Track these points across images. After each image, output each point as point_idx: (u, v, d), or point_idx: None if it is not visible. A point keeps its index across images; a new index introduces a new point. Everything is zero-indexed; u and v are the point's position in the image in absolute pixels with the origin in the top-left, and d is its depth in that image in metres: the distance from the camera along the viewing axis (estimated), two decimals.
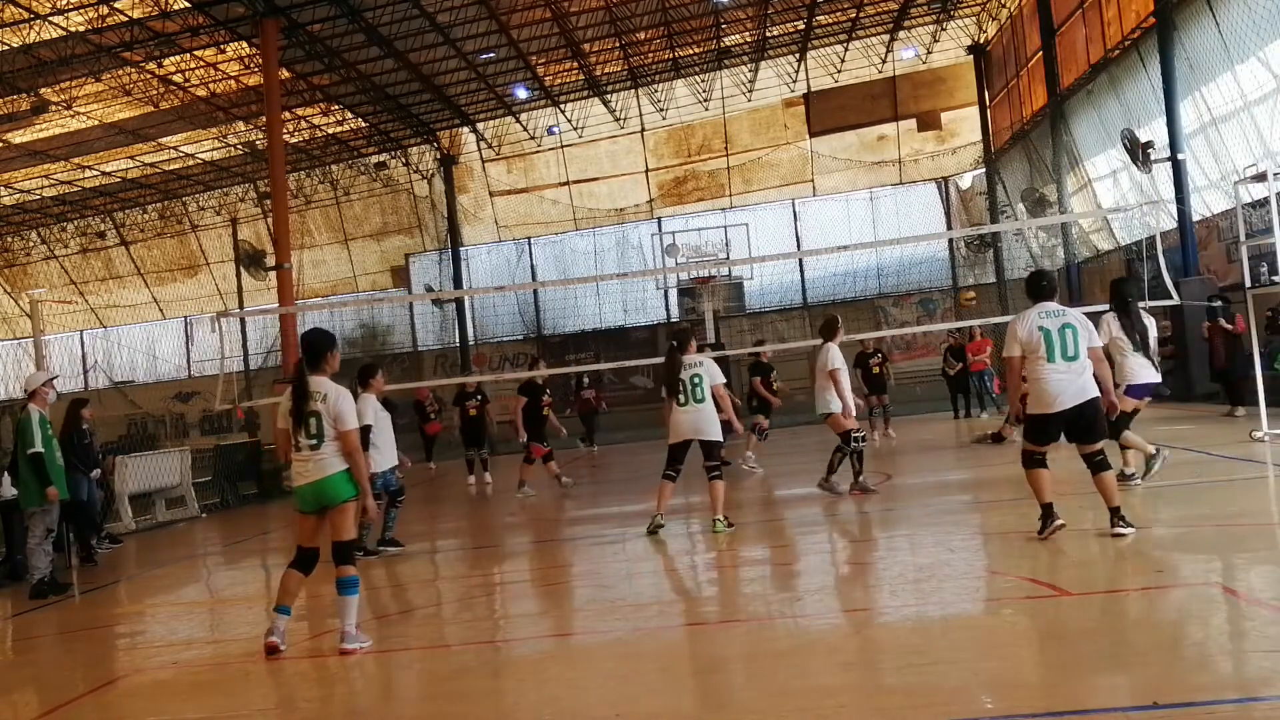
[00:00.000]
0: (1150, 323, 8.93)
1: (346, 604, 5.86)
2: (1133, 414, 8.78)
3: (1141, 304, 13.74)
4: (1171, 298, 12.62)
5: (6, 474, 10.13)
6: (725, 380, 9.33)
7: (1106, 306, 9.08)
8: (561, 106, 30.65)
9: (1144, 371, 8.67)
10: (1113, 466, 6.98)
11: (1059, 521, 6.85)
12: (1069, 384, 6.70)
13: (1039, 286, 7.09)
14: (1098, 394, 6.83)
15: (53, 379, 9.64)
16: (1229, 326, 14.31)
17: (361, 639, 5.87)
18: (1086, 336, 6.82)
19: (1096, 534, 7.29)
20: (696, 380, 8.82)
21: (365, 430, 9.18)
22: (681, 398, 8.84)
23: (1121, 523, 6.75)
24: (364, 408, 9.25)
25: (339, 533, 5.94)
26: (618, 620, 6.27)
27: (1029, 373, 6.85)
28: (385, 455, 9.58)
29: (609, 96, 30.54)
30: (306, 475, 5.95)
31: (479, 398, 16.30)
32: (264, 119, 22.91)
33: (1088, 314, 7.40)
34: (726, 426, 9.12)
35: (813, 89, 30.57)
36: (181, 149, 29.49)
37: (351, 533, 6.03)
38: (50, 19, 20.17)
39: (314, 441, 5.90)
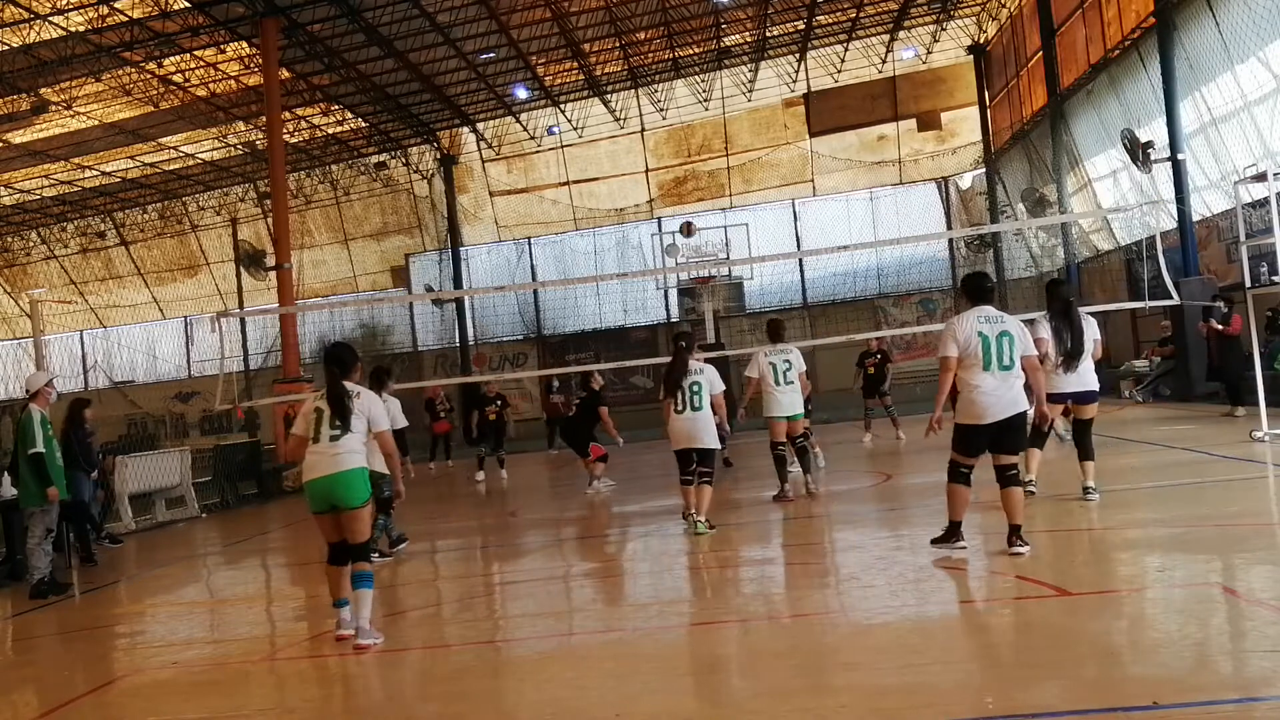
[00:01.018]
0: (1090, 326, 8.47)
1: (362, 597, 5.90)
2: (1051, 423, 8.38)
3: (1154, 305, 13.86)
4: (1171, 298, 12.61)
5: (6, 474, 10.13)
6: (724, 388, 9.35)
7: (1106, 307, 8.96)
8: (561, 106, 30.65)
9: (1062, 381, 8.21)
10: (1023, 483, 6.71)
11: (963, 544, 6.65)
12: (1002, 395, 6.46)
13: (983, 289, 6.73)
14: (1027, 406, 6.64)
15: (52, 379, 9.64)
16: (1220, 327, 14.29)
17: (375, 635, 5.90)
18: (1022, 346, 6.57)
19: (1095, 534, 7.30)
20: (697, 388, 8.74)
21: (401, 434, 9.19)
22: (680, 404, 8.73)
23: (1020, 541, 6.54)
24: (395, 411, 9.25)
25: (355, 535, 6.00)
26: (618, 620, 6.27)
27: (960, 380, 6.56)
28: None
29: (609, 96, 30.54)
30: (321, 469, 5.91)
31: (499, 402, 17.16)
32: (264, 119, 22.91)
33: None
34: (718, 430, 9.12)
35: (813, 89, 30.56)
36: (181, 149, 29.49)
37: (366, 534, 6.10)
38: (50, 19, 20.17)
39: (337, 432, 5.91)
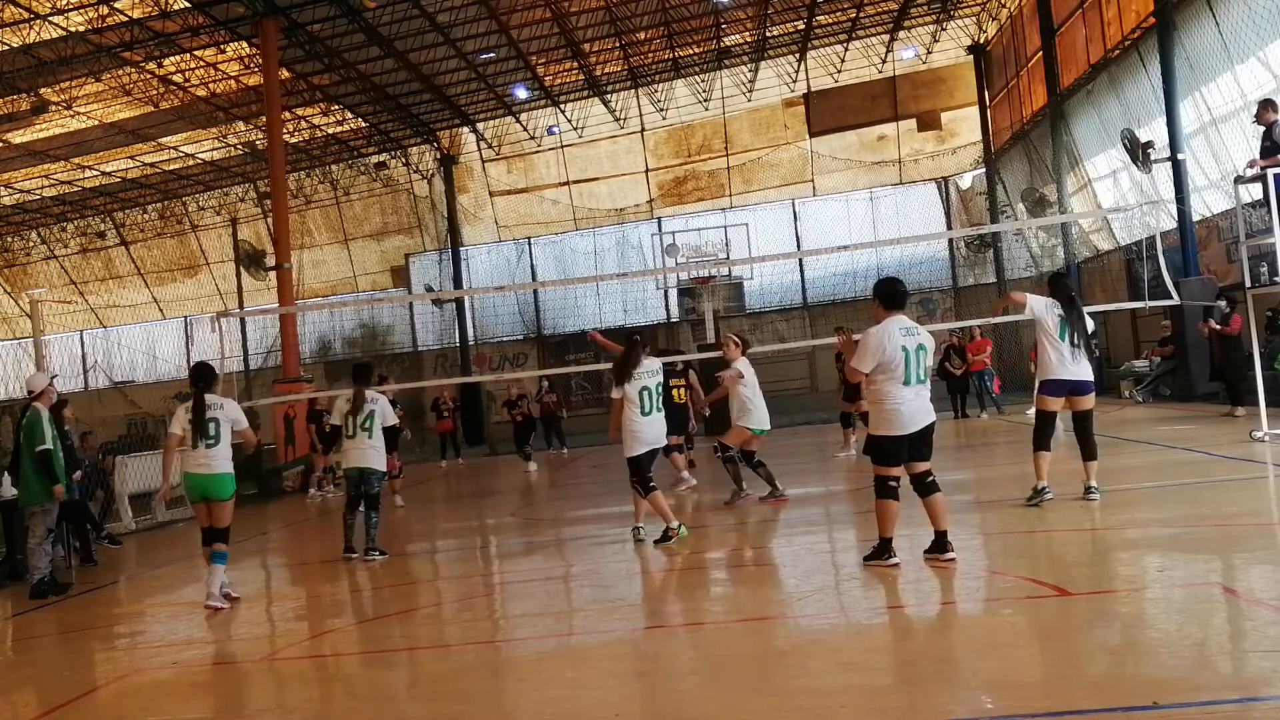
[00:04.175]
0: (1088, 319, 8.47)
1: (215, 571, 7.44)
2: (1051, 417, 8.37)
3: (1154, 305, 13.84)
4: (1171, 298, 12.61)
5: (7, 474, 10.13)
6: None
7: (1106, 306, 8.91)
8: (561, 106, 30.65)
9: (1063, 369, 8.16)
10: (942, 489, 6.67)
11: (895, 559, 6.52)
12: (920, 406, 6.43)
13: (901, 296, 6.58)
14: (935, 416, 6.59)
15: (53, 378, 9.66)
16: (1218, 327, 14.28)
17: (221, 600, 7.38)
18: (930, 355, 6.53)
19: (1095, 534, 7.30)
20: (660, 388, 8.77)
21: (392, 430, 9.42)
22: (647, 405, 8.62)
23: (949, 547, 6.50)
24: (384, 408, 9.54)
25: (221, 521, 7.56)
26: (618, 620, 6.26)
27: (878, 393, 6.45)
28: (380, 454, 9.43)
29: (609, 96, 30.54)
30: (201, 468, 7.45)
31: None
32: (264, 119, 22.92)
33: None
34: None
35: (813, 89, 30.57)
36: (181, 149, 29.50)
37: (229, 521, 7.61)
38: (50, 19, 20.18)
39: (211, 442, 7.43)
